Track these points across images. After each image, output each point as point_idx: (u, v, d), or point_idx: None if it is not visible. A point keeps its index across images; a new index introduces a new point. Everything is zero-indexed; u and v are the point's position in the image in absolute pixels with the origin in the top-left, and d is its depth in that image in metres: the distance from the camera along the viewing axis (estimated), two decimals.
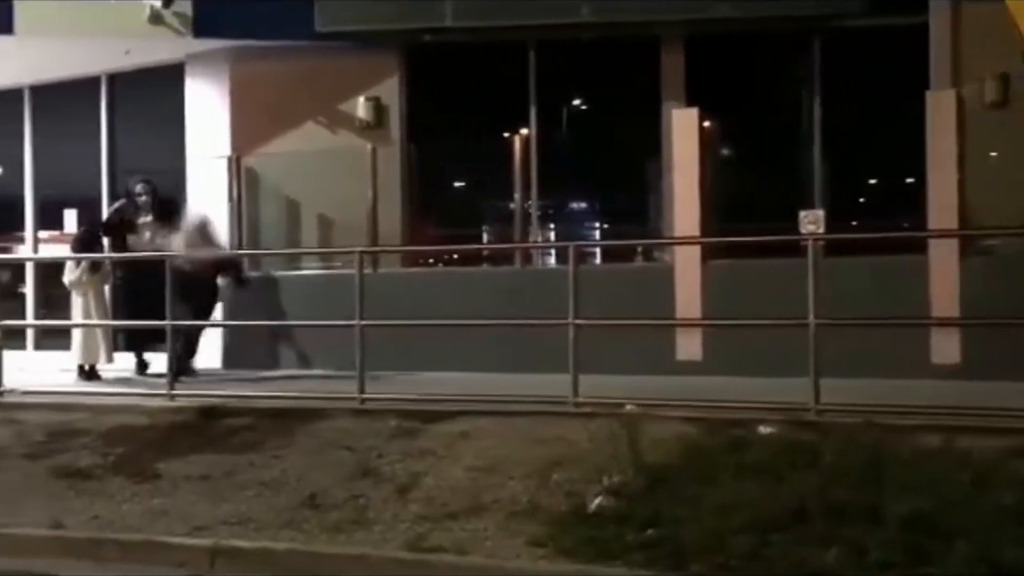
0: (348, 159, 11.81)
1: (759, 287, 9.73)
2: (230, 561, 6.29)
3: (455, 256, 12.62)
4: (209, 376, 10.77)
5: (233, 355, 11.87)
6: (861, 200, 11.93)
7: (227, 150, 12.40)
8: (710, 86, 11.19)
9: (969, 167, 10.08)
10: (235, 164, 12.33)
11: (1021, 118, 10.18)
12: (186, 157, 12.83)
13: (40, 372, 11.24)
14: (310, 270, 12.19)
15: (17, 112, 14.25)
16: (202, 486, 7.43)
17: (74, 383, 10.87)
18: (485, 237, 12.80)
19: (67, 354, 11.40)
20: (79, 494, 7.47)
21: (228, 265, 11.37)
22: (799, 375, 7.81)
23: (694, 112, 10.82)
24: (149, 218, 11.59)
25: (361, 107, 12.07)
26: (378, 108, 12.07)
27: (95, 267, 11.13)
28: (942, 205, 9.92)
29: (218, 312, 11.65)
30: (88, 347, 11.14)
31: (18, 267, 14.02)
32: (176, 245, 10.86)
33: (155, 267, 10.77)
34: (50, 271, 13.25)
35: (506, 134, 11.94)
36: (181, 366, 10.47)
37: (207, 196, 12.50)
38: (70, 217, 13.72)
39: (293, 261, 12.31)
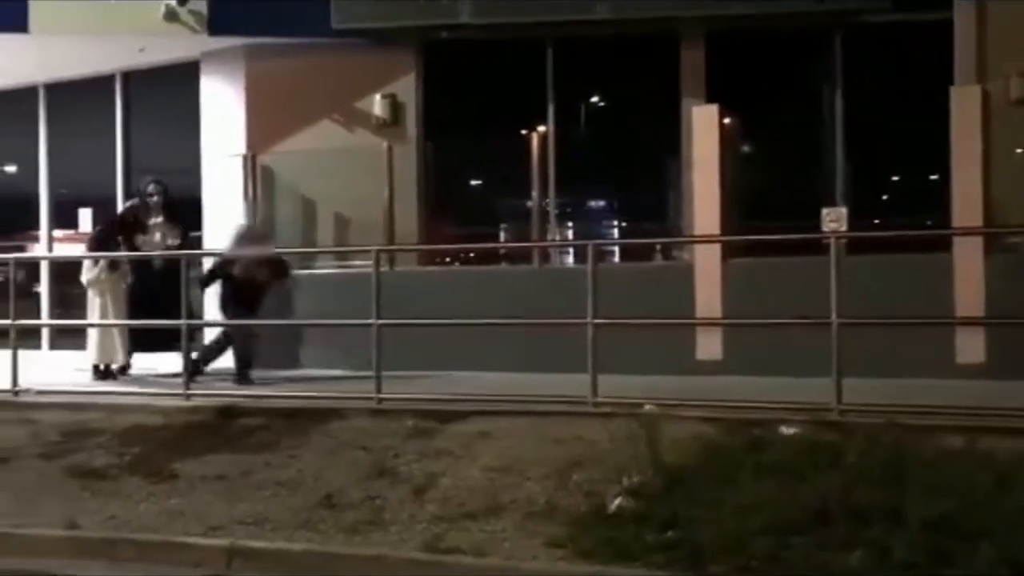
0: (364, 157, 11.84)
1: (780, 286, 9.71)
2: (246, 561, 6.32)
3: (472, 255, 12.65)
4: (225, 376, 10.80)
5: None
6: (884, 197, 11.89)
7: (242, 148, 12.44)
8: (730, 82, 11.18)
9: (994, 164, 10.03)
10: (250, 162, 12.37)
11: None
12: (201, 156, 12.88)
13: (55, 371, 11.31)
14: (326, 269, 12.22)
15: (32, 111, 14.33)
16: (218, 486, 7.46)
17: (89, 383, 10.91)
18: (502, 235, 12.81)
19: (82, 354, 11.43)
20: (94, 494, 7.50)
21: (280, 267, 11.18)
22: (821, 375, 7.80)
23: (714, 109, 10.79)
24: (160, 219, 11.63)
25: (377, 105, 12.10)
26: (394, 106, 12.10)
27: (113, 266, 11.16)
28: (966, 202, 9.88)
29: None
30: (104, 347, 11.17)
31: (33, 266, 14.10)
32: (238, 248, 10.87)
33: (167, 268, 10.89)
34: (64, 270, 13.35)
35: (524, 132, 11.95)
36: (240, 374, 10.53)
37: (222, 195, 12.56)
38: (85, 216, 13.80)
39: (309, 260, 12.35)
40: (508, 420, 8.07)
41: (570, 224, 12.77)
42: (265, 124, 12.40)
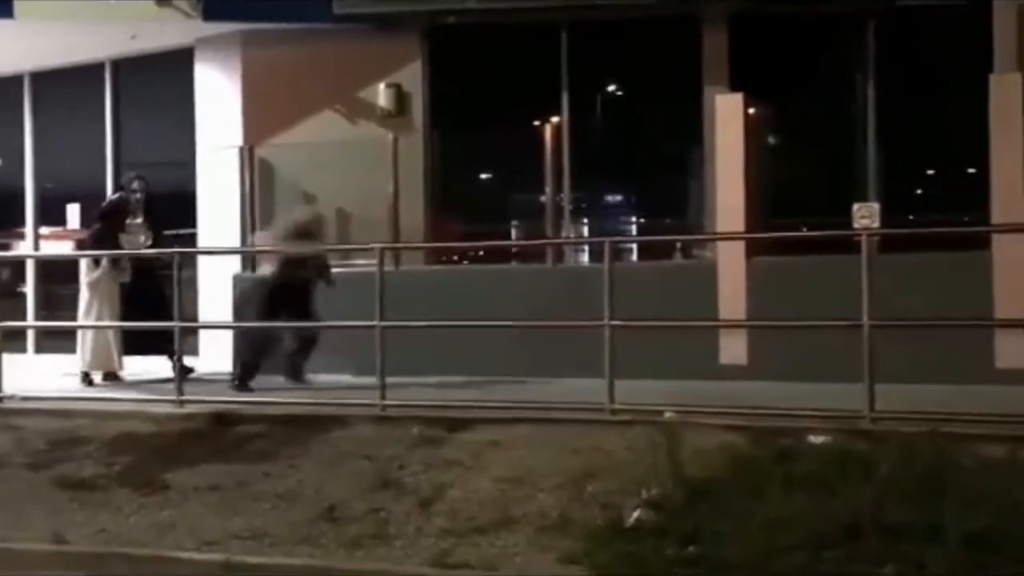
0: (368, 150, 11.85)
1: (809, 286, 9.68)
2: None
3: (482, 253, 12.65)
4: (220, 380, 10.81)
5: None
6: (919, 192, 11.88)
7: (239, 140, 12.46)
8: (756, 70, 11.17)
9: None
10: (247, 155, 12.39)
11: None
12: (195, 148, 12.90)
13: (42, 376, 11.33)
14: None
15: (17, 100, 14.40)
16: (213, 498, 7.45)
17: (78, 389, 10.91)
18: (514, 232, 12.82)
19: (71, 357, 11.41)
20: (83, 506, 7.52)
21: (325, 269, 10.94)
22: (852, 380, 7.77)
23: (738, 98, 10.76)
24: (139, 219, 11.57)
25: (382, 94, 12.11)
26: (400, 95, 12.12)
27: (114, 265, 11.11)
28: (1006, 197, 9.82)
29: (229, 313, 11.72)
30: (99, 352, 11.12)
31: (18, 265, 14.14)
32: (281, 242, 10.73)
33: (152, 270, 10.92)
34: (52, 269, 13.38)
35: (536, 122, 11.94)
36: (241, 380, 10.41)
37: (217, 189, 12.58)
38: (72, 212, 13.83)
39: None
40: (520, 428, 8.05)
41: (585, 220, 12.77)
42: (263, 115, 12.42)
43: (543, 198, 11.96)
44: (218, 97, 12.78)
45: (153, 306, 10.81)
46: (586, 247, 12.60)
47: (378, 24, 11.98)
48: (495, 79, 12.06)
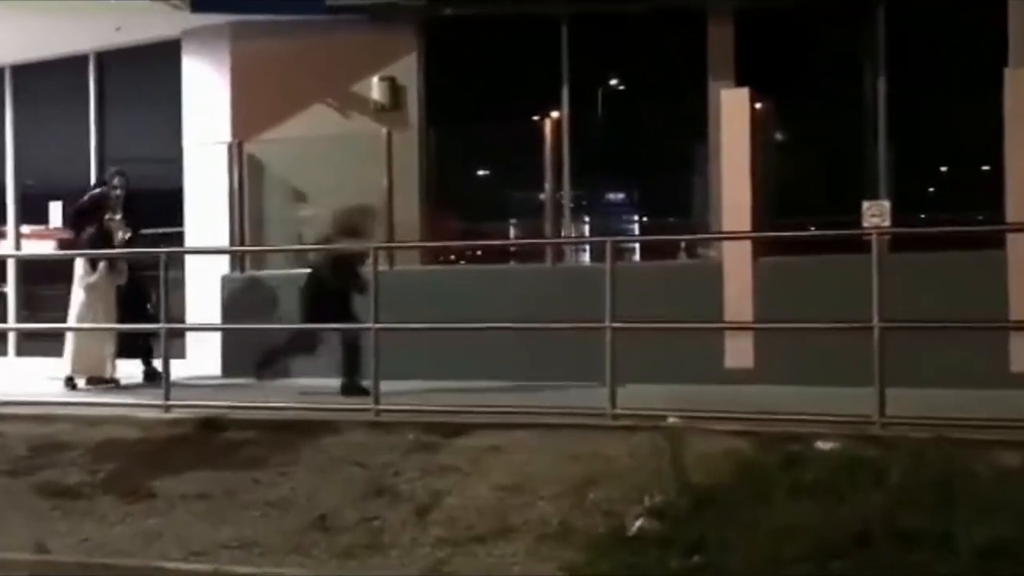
0: (361, 145, 11.86)
1: (817, 286, 9.70)
2: None
3: (479, 252, 12.65)
4: (208, 384, 10.82)
5: (234, 362, 11.89)
6: (930, 190, 11.88)
7: (227, 135, 12.47)
8: (762, 63, 11.17)
9: None
10: (236, 151, 12.40)
11: None
12: (182, 143, 12.90)
13: (24, 380, 11.33)
14: None
15: None
16: (201, 506, 7.45)
17: (61, 393, 10.90)
18: (512, 231, 12.83)
19: (55, 361, 11.38)
20: (66, 514, 7.52)
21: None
22: (862, 384, 7.77)
23: (744, 92, 10.78)
24: (118, 216, 11.51)
25: (375, 88, 12.12)
26: (394, 89, 12.12)
27: (111, 266, 11.10)
28: (1021, 194, 9.84)
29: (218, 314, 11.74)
30: (91, 357, 11.10)
31: None
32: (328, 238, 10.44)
33: (132, 270, 10.91)
34: (32, 268, 13.39)
35: (536, 117, 11.95)
36: (350, 383, 10.08)
37: (205, 186, 12.59)
38: (55, 210, 13.82)
39: (300, 258, 12.36)
40: (519, 434, 8.04)
41: (586, 218, 12.79)
42: (252, 109, 12.43)
43: (543, 196, 11.96)
44: (206, 91, 12.79)
45: (133, 308, 10.84)
46: (587, 246, 12.61)
47: (372, 15, 11.98)
48: (493, 72, 12.07)
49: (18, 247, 14.42)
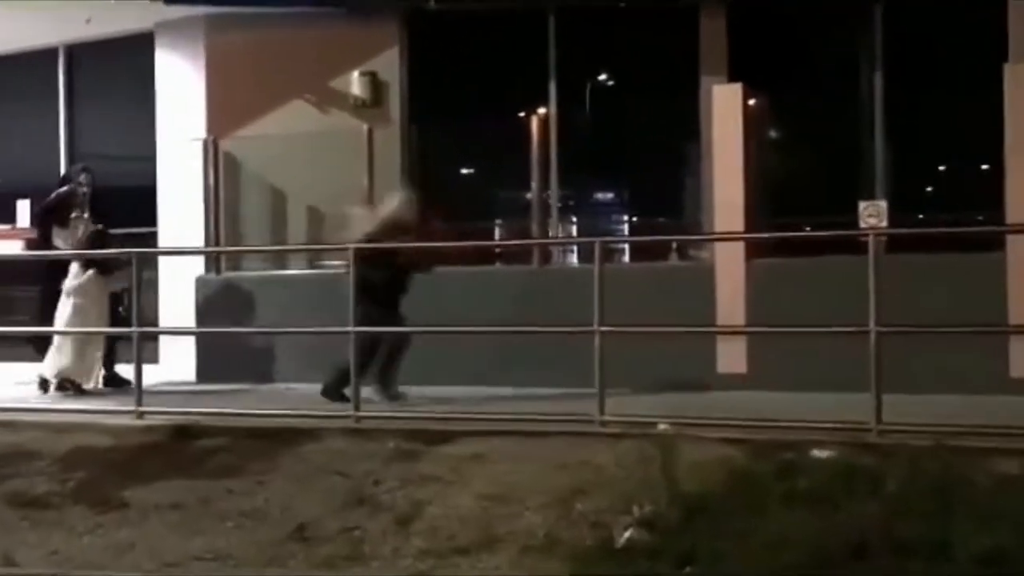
0: (341, 142, 11.85)
1: (812, 289, 9.73)
2: None
3: (464, 253, 12.63)
4: (181, 391, 10.80)
5: (209, 367, 11.89)
6: (928, 189, 11.91)
7: (202, 132, 12.46)
8: (756, 58, 11.19)
9: None
10: (211, 147, 12.38)
11: None
12: (156, 140, 12.88)
13: None
14: (297, 269, 12.21)
15: None
16: (174, 516, 7.44)
17: (35, 398, 10.85)
18: (498, 232, 12.84)
19: (28, 366, 11.30)
20: (34, 525, 7.50)
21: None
22: (858, 390, 7.79)
23: (737, 88, 10.79)
24: (85, 214, 11.45)
25: (356, 83, 12.11)
26: (375, 84, 12.11)
27: (105, 270, 11.04)
28: (1021, 195, 9.87)
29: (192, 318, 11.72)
30: (82, 361, 11.03)
31: None
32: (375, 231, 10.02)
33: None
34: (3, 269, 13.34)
35: (522, 114, 11.95)
36: (386, 389, 9.85)
37: (180, 184, 12.57)
38: (23, 208, 13.77)
39: (278, 259, 12.35)
40: (504, 441, 8.04)
41: (574, 218, 12.80)
42: (228, 105, 12.41)
43: (529, 195, 11.97)
44: (180, 86, 12.77)
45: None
46: (575, 247, 12.61)
47: (352, 8, 11.98)
48: (478, 68, 12.08)
49: None
